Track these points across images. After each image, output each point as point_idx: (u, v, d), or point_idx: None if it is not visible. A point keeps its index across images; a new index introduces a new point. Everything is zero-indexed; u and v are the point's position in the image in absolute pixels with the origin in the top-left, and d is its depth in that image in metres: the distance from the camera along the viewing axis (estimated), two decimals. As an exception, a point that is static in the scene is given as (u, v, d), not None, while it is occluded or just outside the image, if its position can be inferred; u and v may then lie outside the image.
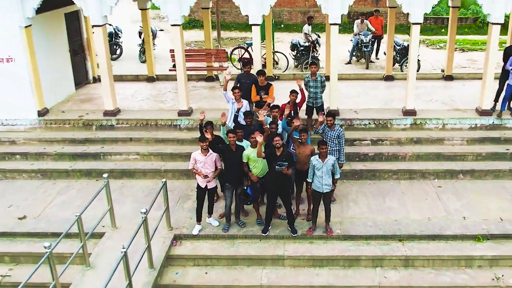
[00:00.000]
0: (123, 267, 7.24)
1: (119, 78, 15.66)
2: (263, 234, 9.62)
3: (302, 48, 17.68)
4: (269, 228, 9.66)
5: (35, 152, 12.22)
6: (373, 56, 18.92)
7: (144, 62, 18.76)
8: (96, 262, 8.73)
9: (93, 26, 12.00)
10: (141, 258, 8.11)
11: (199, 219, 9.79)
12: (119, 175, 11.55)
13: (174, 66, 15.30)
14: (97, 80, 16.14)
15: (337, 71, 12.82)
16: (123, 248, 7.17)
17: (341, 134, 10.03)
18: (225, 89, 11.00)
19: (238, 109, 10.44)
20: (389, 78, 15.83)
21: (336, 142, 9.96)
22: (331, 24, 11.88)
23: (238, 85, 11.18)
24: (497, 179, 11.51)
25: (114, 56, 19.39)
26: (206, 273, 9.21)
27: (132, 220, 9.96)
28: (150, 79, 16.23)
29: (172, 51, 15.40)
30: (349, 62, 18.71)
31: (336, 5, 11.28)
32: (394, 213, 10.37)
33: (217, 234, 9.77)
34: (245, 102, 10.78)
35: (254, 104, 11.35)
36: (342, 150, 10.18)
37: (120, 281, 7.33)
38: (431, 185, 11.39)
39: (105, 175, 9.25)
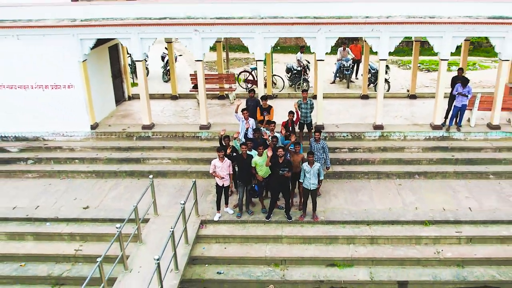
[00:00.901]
0: (171, 242, 9.29)
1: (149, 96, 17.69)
2: (267, 220, 11.57)
3: (295, 71, 19.56)
4: (271, 215, 11.69)
5: (90, 157, 14.13)
6: (353, 76, 20.89)
7: (167, 81, 20.69)
8: (146, 239, 10.72)
9: (136, 61, 14.01)
10: (181, 236, 10.21)
11: (218, 208, 11.80)
12: (155, 175, 13.21)
13: (193, 87, 17.28)
14: (131, 98, 18.12)
15: (323, 91, 14.65)
16: (171, 228, 9.24)
17: (325, 145, 12.02)
18: (236, 111, 12.99)
19: (247, 128, 12.48)
20: (364, 97, 17.77)
21: (322, 151, 12.01)
22: (317, 60, 13.98)
23: (246, 107, 13.21)
24: (444, 179, 13.36)
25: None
26: (225, 248, 11.15)
27: (168, 209, 11.96)
28: (174, 97, 18.13)
29: (192, 75, 17.41)
30: (334, 82, 20.57)
31: (321, 47, 13.30)
32: (364, 204, 12.27)
33: (232, 220, 11.72)
34: (251, 120, 12.75)
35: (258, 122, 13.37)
36: (327, 157, 12.12)
37: (167, 253, 9.33)
38: (394, 183, 13.22)
39: (150, 176, 11.20)
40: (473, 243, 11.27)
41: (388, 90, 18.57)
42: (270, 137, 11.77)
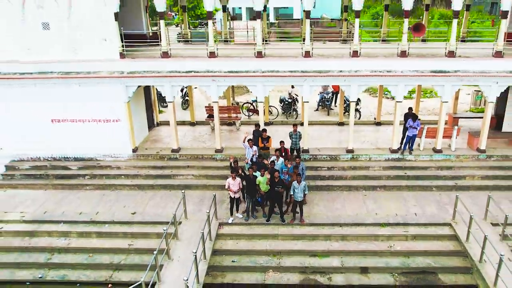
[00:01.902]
0: (200, 239, 11.96)
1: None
2: (267, 222, 14.15)
3: (286, 102, 22.16)
4: (270, 219, 14.30)
5: (132, 174, 16.70)
6: (332, 104, 23.49)
7: (185, 109, 23.20)
8: (180, 237, 13.27)
9: (168, 102, 16.61)
10: (207, 234, 12.87)
11: (231, 214, 14.43)
12: (182, 188, 15.67)
13: (208, 116, 19.85)
14: (159, 124, 20.75)
15: (308, 118, 17.30)
16: (201, 230, 11.95)
17: (304, 167, 14.78)
18: (244, 141, 15.66)
19: (253, 155, 15.14)
20: (341, 123, 20.40)
21: (302, 171, 14.60)
22: (304, 102, 16.69)
23: (251, 138, 15.77)
24: (398, 191, 15.92)
25: (165, 105, 22.41)
26: (237, 243, 13.71)
27: (194, 214, 14.50)
28: (192, 123, 20.74)
29: (207, 107, 20.00)
30: (317, 109, 23.23)
31: (307, 92, 16.01)
32: (338, 211, 14.82)
33: (242, 222, 14.29)
34: (255, 147, 15.43)
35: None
36: (303, 174, 14.63)
37: (195, 247, 11.89)
38: (361, 194, 15.78)
39: (182, 191, 13.93)
40: (416, 240, 13.87)
41: (359, 118, 21.20)
42: (269, 162, 14.49)
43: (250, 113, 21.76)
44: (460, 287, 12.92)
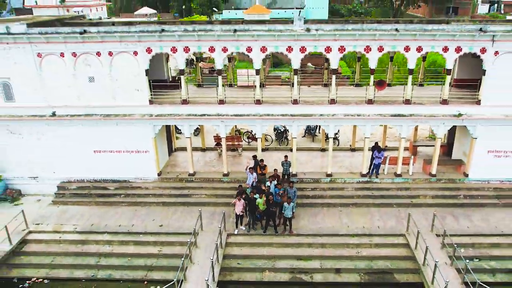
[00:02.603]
0: (215, 248, 14.91)
1: (185, 149, 22.97)
2: (264, 233, 17.12)
3: (280, 131, 25.17)
4: (266, 230, 17.34)
5: (158, 193, 19.60)
6: (317, 132, 26.28)
7: (196, 135, 25.96)
8: (199, 245, 16.19)
9: (186, 137, 19.58)
10: (220, 243, 15.83)
11: (236, 226, 17.38)
12: (198, 205, 18.57)
13: (216, 144, 22.84)
14: (176, 150, 23.69)
15: (296, 145, 20.09)
16: (216, 241, 14.95)
17: (295, 190, 17.82)
18: (246, 169, 18.58)
19: (253, 181, 18.11)
20: (323, 150, 23.34)
21: (294, 194, 17.69)
22: (292, 138, 19.71)
23: (252, 166, 18.69)
24: (367, 207, 18.78)
25: (180, 131, 24.64)
26: (241, 249, 16.58)
27: (208, 226, 17.34)
28: (203, 149, 23.63)
29: (215, 136, 22.83)
30: (304, 136, 26.07)
31: (295, 131, 19.08)
32: (319, 224, 17.71)
33: (245, 233, 17.18)
34: (254, 174, 18.33)
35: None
36: (295, 197, 17.71)
37: (211, 254, 14.86)
38: (337, 210, 18.60)
39: (199, 209, 16.94)
40: (378, 247, 16.81)
41: (337, 145, 24.09)
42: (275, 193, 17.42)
43: (250, 140, 24.61)
44: (410, 284, 15.93)
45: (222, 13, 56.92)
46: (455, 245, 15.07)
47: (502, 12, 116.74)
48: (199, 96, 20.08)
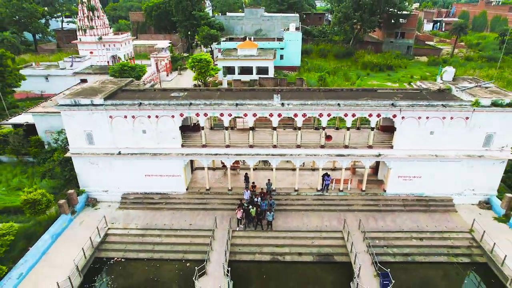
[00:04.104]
0: (226, 240, 21.44)
1: (203, 168, 29.44)
2: (254, 230, 23.71)
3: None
4: (256, 228, 23.89)
5: (186, 202, 25.99)
6: None
7: (209, 156, 32.38)
8: (216, 238, 22.75)
9: (204, 166, 25.85)
10: (228, 237, 22.35)
11: (237, 225, 23.94)
12: (213, 210, 25.22)
13: (223, 166, 29.12)
14: (196, 169, 29.92)
15: (275, 168, 26.79)
16: (226, 235, 21.50)
17: (274, 202, 24.33)
18: (245, 189, 25.03)
19: (248, 198, 24.53)
20: (293, 169, 29.82)
21: (273, 204, 24.16)
22: (273, 167, 26.08)
23: (246, 186, 25.12)
24: (319, 212, 25.19)
25: None
26: (241, 240, 23.07)
27: (220, 225, 23.84)
28: (213, 169, 30.01)
29: (222, 162, 29.14)
30: (284, 156, 32.62)
31: (275, 163, 25.48)
32: (289, 223, 24.14)
33: (243, 230, 23.68)
34: (249, 192, 24.85)
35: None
36: (273, 206, 24.29)
37: (223, 244, 21.42)
38: (301, 214, 24.97)
39: (215, 216, 23.46)
40: (325, 239, 23.43)
41: (303, 165, 30.40)
42: (257, 202, 23.96)
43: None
44: (343, 263, 22.52)
45: (220, 43, 62.18)
46: (371, 238, 21.88)
47: (443, 30, 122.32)
48: (213, 139, 26.27)
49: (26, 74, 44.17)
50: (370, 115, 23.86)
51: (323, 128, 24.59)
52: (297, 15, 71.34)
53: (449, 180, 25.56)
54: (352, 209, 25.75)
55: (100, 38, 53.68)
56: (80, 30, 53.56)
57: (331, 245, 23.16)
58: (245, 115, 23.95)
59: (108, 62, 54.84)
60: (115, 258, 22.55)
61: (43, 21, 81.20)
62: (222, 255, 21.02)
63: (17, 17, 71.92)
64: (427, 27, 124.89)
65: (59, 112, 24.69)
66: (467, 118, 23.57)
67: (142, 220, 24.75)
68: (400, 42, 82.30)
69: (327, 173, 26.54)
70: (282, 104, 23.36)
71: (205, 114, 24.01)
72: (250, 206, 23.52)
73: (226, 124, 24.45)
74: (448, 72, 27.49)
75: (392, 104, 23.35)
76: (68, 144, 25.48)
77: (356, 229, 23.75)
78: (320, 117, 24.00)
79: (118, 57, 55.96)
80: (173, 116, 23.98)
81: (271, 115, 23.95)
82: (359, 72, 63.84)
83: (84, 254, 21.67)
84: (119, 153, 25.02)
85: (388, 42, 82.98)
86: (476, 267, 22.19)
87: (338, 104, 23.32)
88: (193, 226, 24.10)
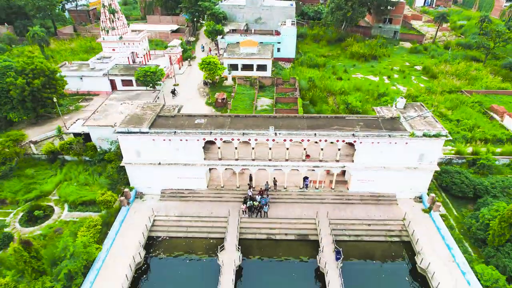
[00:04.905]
0: (236, 225, 31.59)
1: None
2: (255, 218, 33.81)
3: (264, 156, 40.76)
4: (257, 216, 33.89)
5: (207, 196, 35.66)
6: None
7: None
8: (229, 223, 32.85)
9: (219, 172, 35.30)
10: (238, 222, 32.47)
11: (243, 214, 34.00)
12: (226, 202, 34.89)
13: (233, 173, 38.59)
14: (211, 169, 39.35)
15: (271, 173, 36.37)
16: (236, 221, 31.63)
17: (268, 198, 34.17)
18: (249, 187, 34.66)
19: (251, 194, 34.24)
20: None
21: (267, 199, 33.98)
22: (269, 172, 35.53)
23: (251, 184, 34.76)
24: (300, 204, 35.10)
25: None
26: (246, 224, 33.26)
27: (232, 214, 33.85)
28: (226, 168, 39.42)
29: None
30: (277, 156, 41.88)
31: (270, 170, 34.90)
32: (279, 212, 34.14)
33: (247, 218, 33.78)
34: (251, 190, 34.53)
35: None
36: (268, 200, 34.14)
37: (235, 227, 31.60)
38: (288, 205, 35.17)
39: (228, 208, 33.39)
40: (304, 224, 33.62)
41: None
42: (258, 198, 33.79)
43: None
44: (315, 240, 32.91)
45: (224, 37, 68.54)
46: (334, 224, 32.03)
47: (434, 6, 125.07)
48: (225, 152, 35.32)
49: (63, 75, 51.67)
50: (338, 141, 32.84)
51: (305, 149, 33.66)
52: (294, 7, 76.24)
53: (393, 183, 35.19)
54: (323, 202, 35.64)
55: (121, 38, 60.10)
56: (103, 31, 59.75)
57: (307, 228, 33.33)
58: (249, 139, 32.86)
59: (128, 58, 61.71)
60: (162, 237, 32.83)
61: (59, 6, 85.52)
62: (234, 235, 31.17)
63: (38, 4, 76.56)
64: (419, 2, 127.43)
65: (107, 126, 33.68)
66: (406, 143, 32.61)
67: (177, 209, 34.70)
68: (387, 28, 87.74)
69: (306, 176, 36.08)
70: (275, 134, 32.23)
71: (221, 139, 32.91)
72: (252, 202, 33.36)
73: (236, 145, 33.44)
74: (400, 102, 35.91)
75: (353, 134, 32.26)
76: (119, 149, 34.75)
77: (325, 217, 33.80)
78: (302, 141, 32.96)
79: (136, 53, 62.71)
80: (198, 140, 32.91)
81: (267, 140, 32.89)
82: (346, 63, 70.87)
83: (143, 234, 31.83)
84: (159, 163, 34.28)
85: (377, 27, 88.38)
86: (402, 244, 32.65)
87: (315, 134, 32.20)
88: (213, 214, 34.06)
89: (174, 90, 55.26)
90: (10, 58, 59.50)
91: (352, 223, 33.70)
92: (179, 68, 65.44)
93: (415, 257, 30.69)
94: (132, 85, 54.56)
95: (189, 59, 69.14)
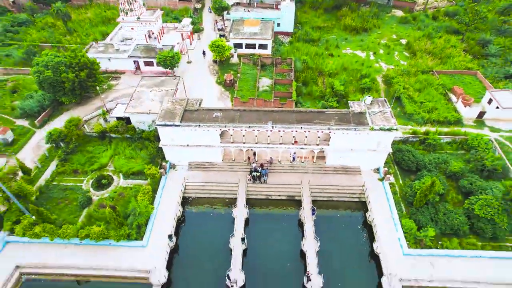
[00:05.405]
0: (244, 188, 45.82)
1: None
2: (258, 183, 47.86)
3: (264, 135, 53.45)
4: (259, 183, 47.92)
5: (222, 167, 49.14)
6: None
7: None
8: (239, 186, 46.97)
9: (233, 151, 48.38)
10: (245, 186, 46.62)
11: (249, 181, 47.97)
12: (237, 171, 48.55)
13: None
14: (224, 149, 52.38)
15: (269, 151, 49.56)
16: (245, 185, 45.83)
17: (268, 169, 47.87)
18: (252, 163, 48.08)
19: (255, 167, 47.77)
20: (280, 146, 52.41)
21: (267, 170, 47.67)
22: (268, 152, 48.65)
23: (255, 159, 48.16)
24: (290, 173, 48.93)
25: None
26: (251, 187, 47.50)
27: (241, 180, 47.85)
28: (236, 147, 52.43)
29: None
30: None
31: (269, 151, 48.03)
32: (275, 179, 48.00)
33: (252, 184, 47.91)
34: (255, 163, 48.00)
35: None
36: (267, 171, 47.85)
37: (243, 190, 45.87)
38: (282, 174, 48.80)
39: (238, 175, 47.31)
40: (291, 188, 47.79)
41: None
42: (259, 170, 47.50)
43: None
44: (299, 200, 47.45)
45: (230, 13, 76.43)
46: (313, 188, 46.29)
47: None
48: (236, 137, 47.98)
49: (94, 57, 61.90)
50: (317, 131, 45.41)
51: (294, 137, 46.36)
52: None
53: (358, 159, 48.49)
54: (307, 172, 49.38)
55: (138, 18, 68.45)
56: (122, 12, 67.87)
57: (294, 191, 47.53)
58: (253, 130, 45.39)
59: (145, 35, 70.64)
60: (192, 197, 47.20)
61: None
62: (243, 196, 45.40)
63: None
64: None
65: (143, 113, 46.27)
66: (367, 133, 45.23)
67: (201, 178, 48.55)
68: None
69: (295, 152, 49.35)
70: (272, 127, 44.68)
71: (233, 129, 45.40)
72: (255, 172, 47.09)
73: (243, 133, 46.05)
74: (368, 99, 47.56)
75: (329, 128, 44.74)
76: (153, 131, 47.65)
77: (307, 183, 47.80)
78: (292, 132, 45.53)
79: (152, 31, 71.44)
80: (216, 130, 45.41)
81: (266, 130, 45.42)
82: (339, 36, 79.45)
83: (179, 196, 46.09)
84: (187, 145, 47.21)
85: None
86: (360, 203, 47.17)
87: (301, 127, 44.68)
88: (227, 181, 47.98)
89: (204, 51, 70.12)
90: (36, 30, 69.70)
91: (326, 188, 47.85)
92: (190, 44, 74.56)
93: (367, 212, 45.39)
94: (153, 65, 64.97)
95: (198, 34, 77.70)
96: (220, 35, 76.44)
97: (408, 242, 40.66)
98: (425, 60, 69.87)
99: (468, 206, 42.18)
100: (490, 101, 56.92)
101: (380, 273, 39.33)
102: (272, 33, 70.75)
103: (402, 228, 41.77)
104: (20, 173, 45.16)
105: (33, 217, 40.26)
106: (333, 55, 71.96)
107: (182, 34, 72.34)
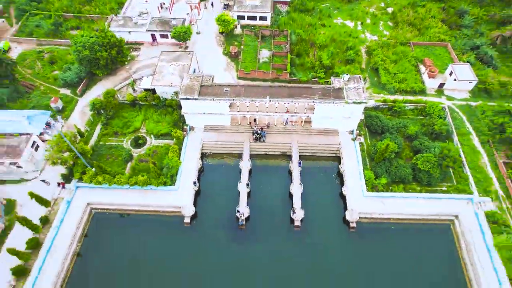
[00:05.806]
0: (249, 147, 60.66)
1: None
2: (259, 142, 62.50)
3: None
4: (260, 141, 62.53)
5: (230, 129, 63.44)
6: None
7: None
8: (244, 144, 61.58)
9: (238, 116, 62.09)
10: (249, 145, 61.35)
11: (252, 140, 62.52)
12: (242, 133, 62.76)
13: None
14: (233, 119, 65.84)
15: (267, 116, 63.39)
16: (249, 143, 60.71)
17: (266, 132, 62.19)
18: (254, 126, 62.13)
19: (256, 129, 61.92)
20: (277, 112, 65.98)
21: (265, 132, 61.97)
22: (267, 118, 62.45)
23: (256, 123, 62.18)
24: (284, 134, 63.39)
25: None
26: (253, 145, 62.28)
27: (245, 140, 62.35)
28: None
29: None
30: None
31: (267, 117, 61.86)
32: (272, 139, 62.52)
33: (253, 143, 62.52)
34: (256, 127, 62.08)
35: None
36: (266, 133, 62.16)
37: (248, 147, 60.72)
38: (277, 135, 63.18)
39: (243, 136, 61.78)
40: (284, 146, 62.58)
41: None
42: (261, 132, 61.82)
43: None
44: (289, 155, 62.57)
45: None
46: (300, 146, 61.21)
47: None
48: (242, 107, 61.37)
49: (116, 31, 72.50)
50: (304, 104, 58.77)
51: (286, 107, 59.78)
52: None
53: (337, 123, 62.44)
54: (297, 133, 63.62)
55: (152, -7, 77.29)
56: (137, -14, 76.41)
57: (286, 148, 62.28)
58: (255, 102, 58.68)
59: (158, 7, 79.84)
60: (208, 152, 62.09)
61: None
62: (247, 152, 60.20)
63: None
64: None
65: (165, 86, 59.55)
66: (343, 106, 58.67)
67: (215, 137, 62.88)
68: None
69: (287, 118, 63.22)
70: (270, 101, 57.95)
71: (239, 102, 58.67)
72: (256, 134, 61.40)
73: (247, 104, 59.41)
74: (345, 77, 60.11)
75: (313, 102, 58.06)
76: (174, 100, 61.09)
77: (296, 142, 62.35)
78: (285, 104, 58.86)
79: (163, 3, 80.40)
80: (226, 102, 58.67)
81: (265, 103, 58.70)
82: (332, 4, 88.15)
83: (198, 152, 60.88)
84: (204, 113, 60.79)
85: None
86: (336, 158, 62.32)
87: (292, 101, 57.99)
88: (234, 140, 62.43)
89: (212, 3, 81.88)
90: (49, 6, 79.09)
91: (310, 145, 62.60)
92: (198, 14, 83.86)
93: (340, 165, 60.77)
94: (168, 38, 75.62)
95: (205, 4, 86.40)
96: (225, 5, 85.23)
97: (367, 187, 56.50)
98: (404, 31, 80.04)
99: (414, 161, 57.34)
100: (451, 73, 69.17)
101: (345, 208, 55.74)
102: (271, 5, 79.93)
103: (364, 177, 57.35)
104: (78, 136, 59.38)
105: (94, 169, 55.40)
106: (325, 25, 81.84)
107: (190, 6, 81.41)
